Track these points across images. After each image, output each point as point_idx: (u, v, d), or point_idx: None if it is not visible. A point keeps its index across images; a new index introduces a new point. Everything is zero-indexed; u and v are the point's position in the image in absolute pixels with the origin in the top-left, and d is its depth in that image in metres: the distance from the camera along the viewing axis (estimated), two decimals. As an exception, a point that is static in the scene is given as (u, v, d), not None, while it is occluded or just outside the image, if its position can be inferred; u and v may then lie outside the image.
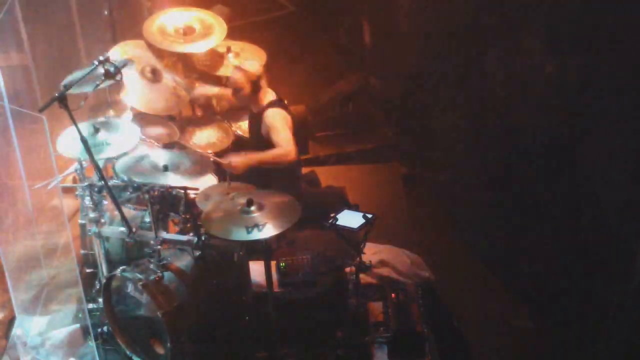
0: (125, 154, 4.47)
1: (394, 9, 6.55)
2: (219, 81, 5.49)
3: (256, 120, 4.87)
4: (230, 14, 5.74)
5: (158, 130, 5.04)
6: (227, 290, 4.22)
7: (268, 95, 4.88)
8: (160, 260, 4.13)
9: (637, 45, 3.91)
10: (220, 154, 4.86)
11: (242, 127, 5.33)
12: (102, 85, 4.22)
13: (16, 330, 4.44)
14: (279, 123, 4.73)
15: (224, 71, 5.38)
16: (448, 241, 5.56)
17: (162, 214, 4.29)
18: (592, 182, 4.39)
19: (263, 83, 4.83)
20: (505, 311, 4.97)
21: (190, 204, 4.18)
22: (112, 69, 4.18)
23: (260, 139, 4.83)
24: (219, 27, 5.37)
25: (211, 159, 4.74)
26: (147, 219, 4.25)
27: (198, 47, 5.24)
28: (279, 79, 5.40)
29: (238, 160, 4.64)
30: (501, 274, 5.19)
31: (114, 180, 4.35)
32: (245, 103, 4.94)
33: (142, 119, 5.04)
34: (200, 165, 4.61)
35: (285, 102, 4.97)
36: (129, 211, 4.29)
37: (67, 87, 3.89)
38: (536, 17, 4.83)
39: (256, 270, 4.25)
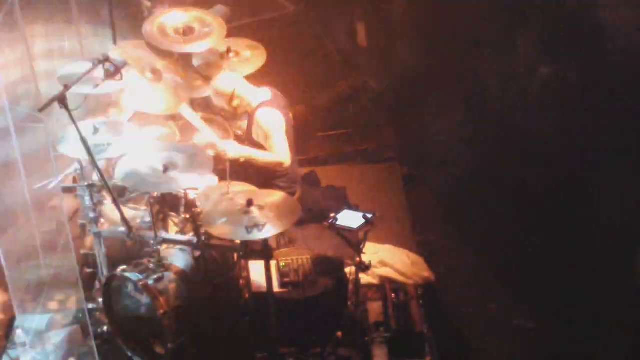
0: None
1: (393, 10, 6.55)
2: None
3: (249, 121, 4.85)
4: (230, 14, 5.73)
5: (158, 131, 5.03)
6: (227, 290, 4.22)
7: (258, 94, 4.81)
8: (160, 260, 4.13)
9: (636, 45, 3.92)
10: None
11: (243, 127, 5.33)
12: (101, 86, 4.22)
13: (16, 330, 4.44)
14: (272, 126, 4.66)
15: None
16: (448, 241, 5.56)
17: (162, 214, 4.29)
18: (592, 182, 4.39)
19: (243, 90, 4.76)
20: (505, 311, 4.97)
21: (190, 204, 4.18)
22: (112, 69, 4.18)
23: (251, 140, 4.80)
24: (219, 27, 5.37)
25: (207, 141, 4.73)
26: (147, 219, 4.24)
27: (198, 47, 5.23)
28: (279, 79, 5.39)
29: (234, 148, 4.64)
30: (501, 274, 5.18)
31: (114, 180, 4.35)
32: (240, 111, 4.89)
33: (142, 119, 5.04)
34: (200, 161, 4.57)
35: (280, 97, 4.91)
36: (128, 211, 4.29)
37: (67, 87, 3.89)
38: (534, 19, 4.83)
39: (256, 270, 4.25)
